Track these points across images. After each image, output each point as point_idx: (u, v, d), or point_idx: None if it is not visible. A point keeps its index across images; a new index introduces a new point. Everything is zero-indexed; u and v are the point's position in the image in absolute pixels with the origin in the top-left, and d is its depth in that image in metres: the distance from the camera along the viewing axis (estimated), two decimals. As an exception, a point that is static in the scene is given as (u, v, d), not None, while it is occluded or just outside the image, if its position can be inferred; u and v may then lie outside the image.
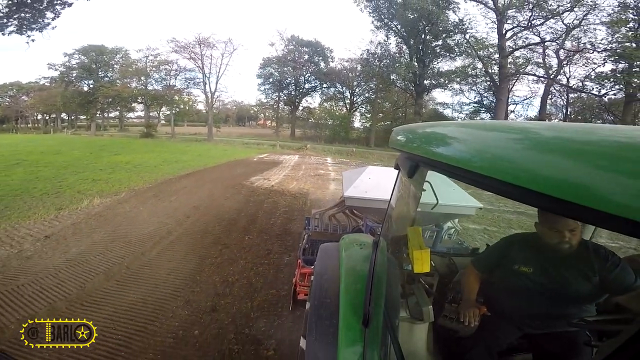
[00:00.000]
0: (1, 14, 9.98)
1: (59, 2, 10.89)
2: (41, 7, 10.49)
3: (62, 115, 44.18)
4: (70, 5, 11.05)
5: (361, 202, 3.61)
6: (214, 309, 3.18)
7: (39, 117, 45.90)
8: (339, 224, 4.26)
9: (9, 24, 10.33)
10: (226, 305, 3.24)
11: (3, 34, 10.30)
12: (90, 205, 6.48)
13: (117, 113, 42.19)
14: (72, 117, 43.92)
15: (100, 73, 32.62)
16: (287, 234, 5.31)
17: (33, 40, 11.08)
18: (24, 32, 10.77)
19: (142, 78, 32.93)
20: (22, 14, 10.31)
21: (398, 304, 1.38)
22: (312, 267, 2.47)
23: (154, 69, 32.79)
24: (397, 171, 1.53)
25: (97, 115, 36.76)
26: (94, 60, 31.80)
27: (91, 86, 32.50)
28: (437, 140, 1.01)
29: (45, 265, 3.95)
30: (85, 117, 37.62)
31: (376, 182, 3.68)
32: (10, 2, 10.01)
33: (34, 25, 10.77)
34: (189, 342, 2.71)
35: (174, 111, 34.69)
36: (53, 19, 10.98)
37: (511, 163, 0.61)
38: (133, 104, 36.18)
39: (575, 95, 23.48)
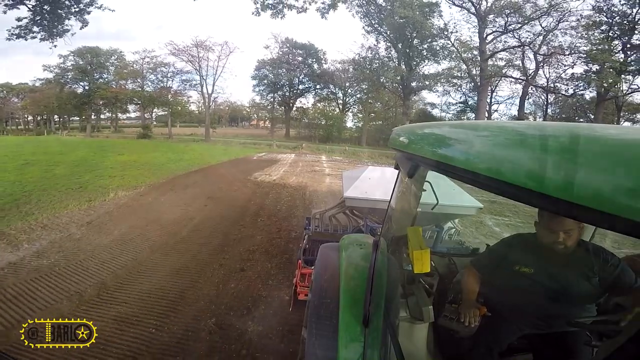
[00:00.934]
0: (28, 20, 10.61)
1: (78, 9, 11.55)
2: (63, 15, 11.15)
3: (54, 117, 43.82)
4: (89, 13, 11.84)
5: (361, 203, 3.63)
6: (243, 269, 4.09)
7: (30, 118, 45.39)
8: (339, 224, 4.31)
9: (40, 31, 11.00)
10: (251, 267, 4.16)
11: (26, 39, 10.95)
12: (116, 197, 7.27)
13: (110, 114, 42.14)
14: (62, 119, 43.57)
15: (95, 75, 32.71)
16: (292, 217, 6.29)
17: (55, 46, 11.83)
18: (50, 39, 11.46)
19: (138, 80, 33.20)
20: (50, 22, 10.94)
21: (398, 304, 1.38)
22: (313, 267, 2.48)
23: (150, 70, 33.12)
24: (397, 171, 1.54)
25: (92, 116, 36.79)
26: (89, 62, 31.86)
27: (86, 88, 32.59)
28: (437, 141, 1.01)
29: (97, 244, 4.73)
30: (78, 118, 37.55)
31: (376, 182, 3.72)
32: (40, 10, 10.63)
33: (55, 31, 11.42)
34: (228, 293, 3.56)
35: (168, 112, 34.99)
36: (81, 28, 11.71)
37: (511, 163, 0.61)
38: (128, 106, 36.35)
39: (556, 95, 24.98)
